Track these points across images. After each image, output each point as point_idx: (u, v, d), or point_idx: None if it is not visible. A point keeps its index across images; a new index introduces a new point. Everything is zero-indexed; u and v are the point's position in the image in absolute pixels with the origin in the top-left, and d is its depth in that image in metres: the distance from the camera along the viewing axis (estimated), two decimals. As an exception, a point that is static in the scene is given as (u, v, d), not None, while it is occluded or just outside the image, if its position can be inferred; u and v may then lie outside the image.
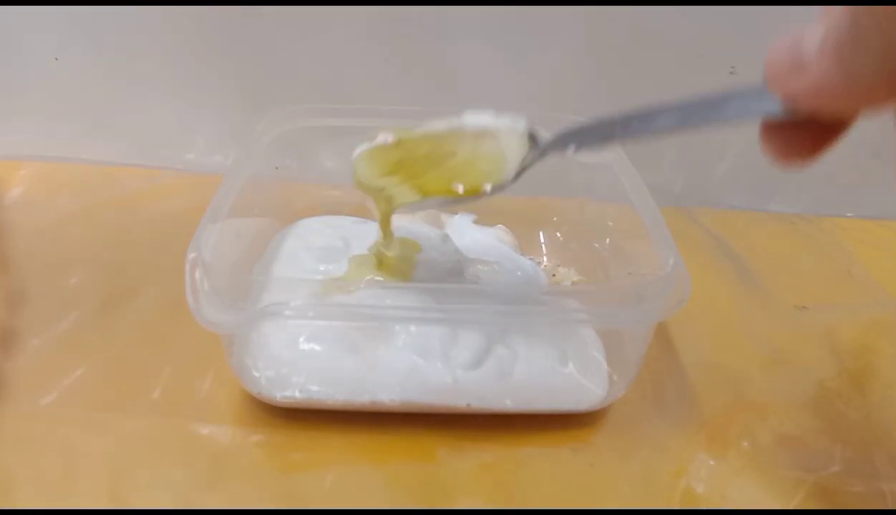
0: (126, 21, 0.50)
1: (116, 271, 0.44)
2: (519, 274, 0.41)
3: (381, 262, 0.38)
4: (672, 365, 0.40)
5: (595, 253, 0.44)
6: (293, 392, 0.34)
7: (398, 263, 0.38)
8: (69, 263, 0.44)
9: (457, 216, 0.46)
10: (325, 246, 0.41)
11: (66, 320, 0.40)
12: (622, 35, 0.50)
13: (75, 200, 0.50)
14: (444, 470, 0.33)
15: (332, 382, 0.34)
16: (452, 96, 0.52)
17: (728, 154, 0.55)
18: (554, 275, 0.44)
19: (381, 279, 0.37)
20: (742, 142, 0.54)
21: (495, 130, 0.34)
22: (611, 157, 0.41)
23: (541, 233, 0.48)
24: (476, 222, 0.46)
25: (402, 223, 0.44)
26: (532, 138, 0.33)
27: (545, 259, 0.46)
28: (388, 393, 0.34)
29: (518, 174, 0.33)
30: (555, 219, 0.48)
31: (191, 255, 0.31)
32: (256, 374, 0.34)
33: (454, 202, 0.34)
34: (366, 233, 0.42)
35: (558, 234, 0.48)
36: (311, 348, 0.34)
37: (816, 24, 0.20)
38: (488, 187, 0.33)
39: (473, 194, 0.33)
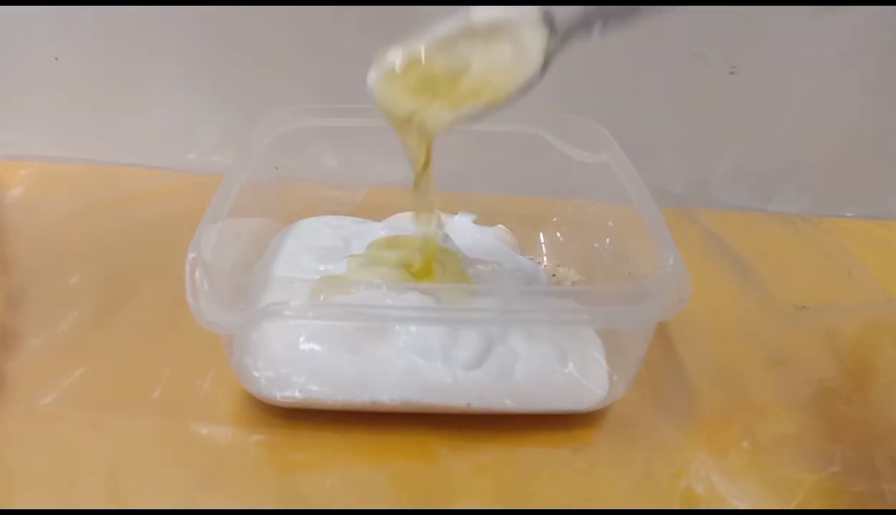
0: (126, 21, 0.50)
1: (116, 271, 0.44)
2: (519, 274, 0.41)
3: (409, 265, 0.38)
4: (672, 365, 0.40)
5: (595, 253, 0.44)
6: (293, 392, 0.34)
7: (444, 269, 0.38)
8: (69, 263, 0.44)
9: (457, 216, 0.46)
10: (325, 246, 0.41)
11: (66, 320, 0.40)
12: (622, 35, 0.50)
13: (75, 200, 0.50)
14: (444, 470, 0.33)
15: (332, 382, 0.34)
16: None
17: (728, 154, 0.55)
18: (554, 275, 0.44)
19: (379, 279, 0.38)
20: (742, 142, 0.54)
21: (507, 23, 0.31)
22: (611, 157, 0.41)
23: (541, 233, 0.48)
24: (476, 222, 0.46)
25: (403, 223, 0.44)
26: (550, 24, 0.31)
27: (545, 259, 0.46)
28: (388, 393, 0.34)
29: (545, 66, 0.31)
30: (555, 219, 0.48)
31: (191, 255, 0.31)
32: (256, 374, 0.34)
33: (490, 112, 0.32)
34: (366, 233, 0.42)
35: (558, 234, 0.48)
36: (311, 348, 0.34)
37: None
38: (519, 87, 0.31)
39: (507, 100, 0.31)
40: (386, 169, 0.55)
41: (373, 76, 0.33)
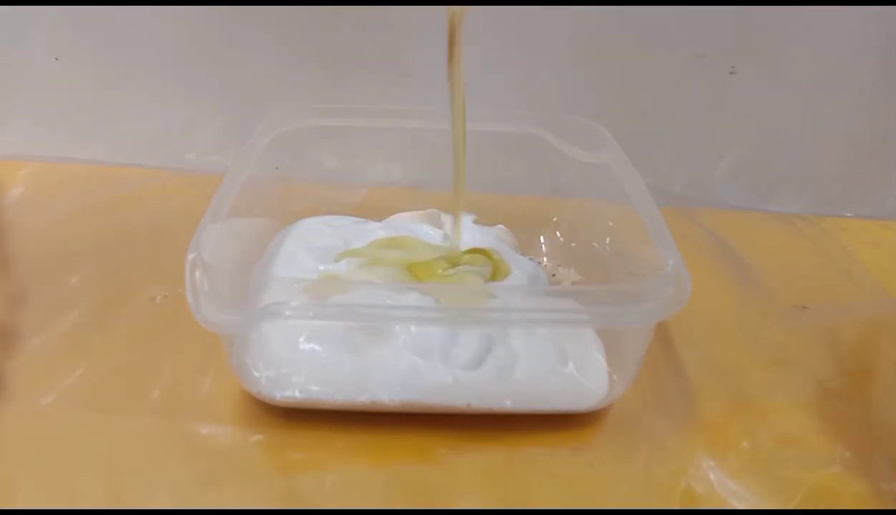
0: (126, 21, 0.50)
1: (116, 271, 0.44)
2: (519, 274, 0.41)
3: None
4: (672, 365, 0.40)
5: (595, 253, 0.44)
6: (293, 392, 0.34)
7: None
8: (69, 263, 0.44)
9: (457, 216, 0.46)
10: (325, 246, 0.41)
11: (66, 320, 0.40)
12: (622, 35, 0.50)
13: (75, 200, 0.50)
14: (444, 470, 0.33)
15: (332, 382, 0.34)
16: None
17: (728, 154, 0.55)
18: (554, 275, 0.44)
19: (379, 279, 0.38)
20: (742, 142, 0.55)
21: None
22: (611, 157, 0.41)
23: (541, 233, 0.48)
24: (476, 222, 0.46)
25: (403, 223, 0.44)
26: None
27: (545, 259, 0.46)
28: (388, 393, 0.34)
29: None
30: (555, 219, 0.48)
31: (191, 255, 0.31)
32: (256, 374, 0.34)
33: None
34: (366, 233, 0.42)
35: (558, 234, 0.48)
36: (311, 348, 0.34)
37: None
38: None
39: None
40: (386, 169, 0.55)
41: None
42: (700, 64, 0.51)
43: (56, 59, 0.52)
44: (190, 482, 0.32)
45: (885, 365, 0.41)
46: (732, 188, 0.56)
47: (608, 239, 0.44)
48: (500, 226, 0.46)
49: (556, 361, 0.35)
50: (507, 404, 0.34)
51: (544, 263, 0.46)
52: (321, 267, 0.39)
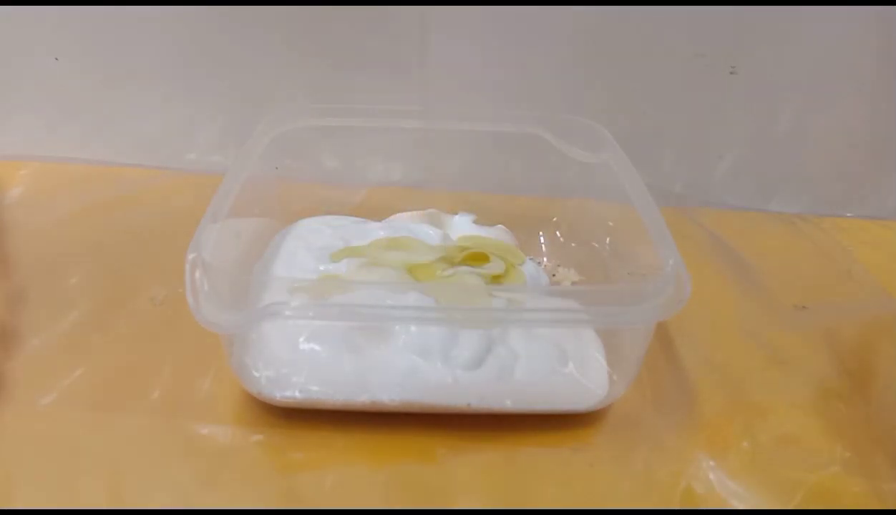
0: (126, 21, 0.50)
1: (116, 271, 0.44)
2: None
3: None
4: (672, 365, 0.40)
5: (595, 253, 0.44)
6: (293, 392, 0.34)
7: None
8: (69, 263, 0.44)
9: (457, 216, 0.46)
10: (325, 246, 0.41)
11: (66, 320, 0.40)
12: (622, 35, 0.50)
13: (75, 200, 0.50)
14: (444, 470, 0.33)
15: (332, 382, 0.34)
16: (452, 96, 0.52)
17: (728, 154, 0.55)
18: (554, 275, 0.44)
19: (379, 279, 0.38)
20: (742, 142, 0.55)
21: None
22: (611, 157, 0.41)
23: (541, 233, 0.48)
24: (476, 222, 0.46)
25: (403, 223, 0.44)
26: None
27: (545, 259, 0.46)
28: (388, 393, 0.34)
29: None
30: (555, 219, 0.48)
31: (191, 255, 0.31)
32: (256, 374, 0.34)
33: None
34: (366, 233, 0.42)
35: (558, 234, 0.48)
36: (311, 348, 0.34)
37: None
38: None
39: None
40: (386, 169, 0.55)
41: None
42: (700, 64, 0.51)
43: (56, 59, 0.52)
44: (190, 482, 0.32)
45: (885, 365, 0.41)
46: (732, 188, 0.56)
47: (608, 239, 0.44)
48: (500, 226, 0.46)
49: (556, 361, 0.35)
50: (507, 404, 0.34)
51: (544, 263, 0.46)
52: (321, 267, 0.39)
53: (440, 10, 0.49)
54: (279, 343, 0.34)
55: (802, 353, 0.41)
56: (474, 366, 0.34)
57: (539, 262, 0.45)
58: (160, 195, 0.52)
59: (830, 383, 0.39)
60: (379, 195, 0.51)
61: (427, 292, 0.35)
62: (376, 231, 0.42)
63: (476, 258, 0.39)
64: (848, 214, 0.57)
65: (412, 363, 0.34)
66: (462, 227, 0.45)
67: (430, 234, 0.42)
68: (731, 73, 0.51)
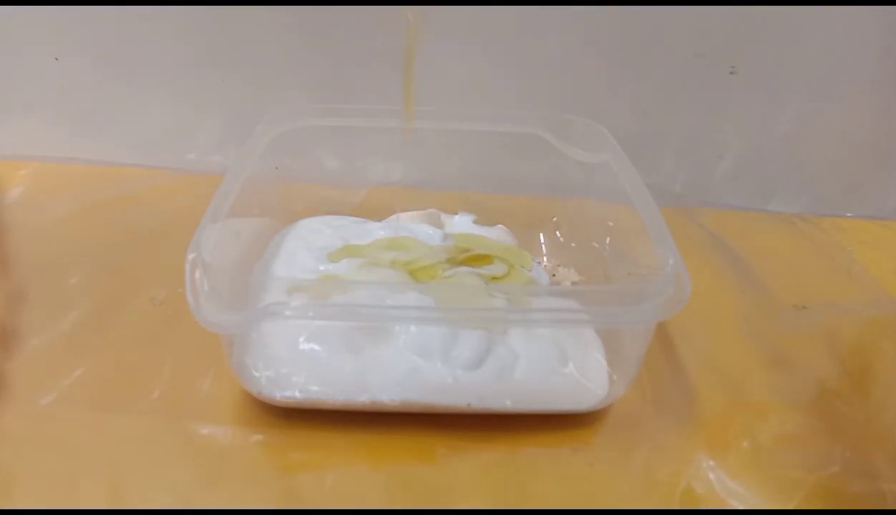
0: (126, 21, 0.50)
1: (116, 271, 0.44)
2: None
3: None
4: (672, 365, 0.40)
5: (595, 253, 0.44)
6: (293, 392, 0.34)
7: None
8: (69, 263, 0.44)
9: (457, 216, 0.46)
10: (325, 246, 0.41)
11: (66, 320, 0.40)
12: (622, 35, 0.50)
13: (75, 200, 0.50)
14: (444, 470, 0.33)
15: (332, 382, 0.34)
16: (452, 96, 0.52)
17: (728, 154, 0.55)
18: (554, 275, 0.44)
19: (379, 279, 0.38)
20: (742, 142, 0.55)
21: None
22: (611, 157, 0.41)
23: (541, 233, 0.48)
24: (476, 222, 0.46)
25: (403, 223, 0.44)
26: None
27: (545, 259, 0.46)
28: (388, 393, 0.34)
29: None
30: (555, 219, 0.48)
31: (191, 255, 0.31)
32: (256, 374, 0.34)
33: None
34: (366, 233, 0.42)
35: (558, 234, 0.48)
36: (311, 348, 0.34)
37: None
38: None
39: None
40: (386, 169, 0.55)
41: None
42: (700, 64, 0.51)
43: (56, 59, 0.52)
44: (190, 482, 0.32)
45: (885, 365, 0.41)
46: (732, 188, 0.56)
47: (608, 239, 0.44)
48: (500, 226, 0.46)
49: (556, 361, 0.35)
50: (507, 404, 0.34)
51: (544, 263, 0.46)
52: (321, 268, 0.39)
53: (440, 10, 0.49)
54: (279, 343, 0.34)
55: (802, 353, 0.41)
56: (474, 366, 0.34)
57: (539, 262, 0.45)
58: (160, 195, 0.52)
59: (830, 383, 0.39)
60: (379, 195, 0.51)
61: (427, 292, 0.35)
62: (376, 231, 0.42)
63: (476, 258, 0.39)
64: (848, 214, 0.57)
65: (412, 363, 0.34)
66: (462, 227, 0.45)
67: (430, 234, 0.42)
68: (731, 73, 0.51)
